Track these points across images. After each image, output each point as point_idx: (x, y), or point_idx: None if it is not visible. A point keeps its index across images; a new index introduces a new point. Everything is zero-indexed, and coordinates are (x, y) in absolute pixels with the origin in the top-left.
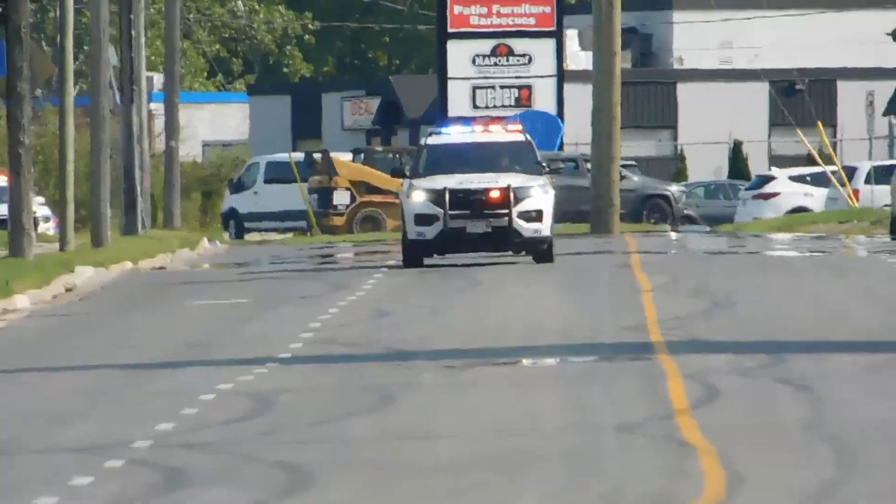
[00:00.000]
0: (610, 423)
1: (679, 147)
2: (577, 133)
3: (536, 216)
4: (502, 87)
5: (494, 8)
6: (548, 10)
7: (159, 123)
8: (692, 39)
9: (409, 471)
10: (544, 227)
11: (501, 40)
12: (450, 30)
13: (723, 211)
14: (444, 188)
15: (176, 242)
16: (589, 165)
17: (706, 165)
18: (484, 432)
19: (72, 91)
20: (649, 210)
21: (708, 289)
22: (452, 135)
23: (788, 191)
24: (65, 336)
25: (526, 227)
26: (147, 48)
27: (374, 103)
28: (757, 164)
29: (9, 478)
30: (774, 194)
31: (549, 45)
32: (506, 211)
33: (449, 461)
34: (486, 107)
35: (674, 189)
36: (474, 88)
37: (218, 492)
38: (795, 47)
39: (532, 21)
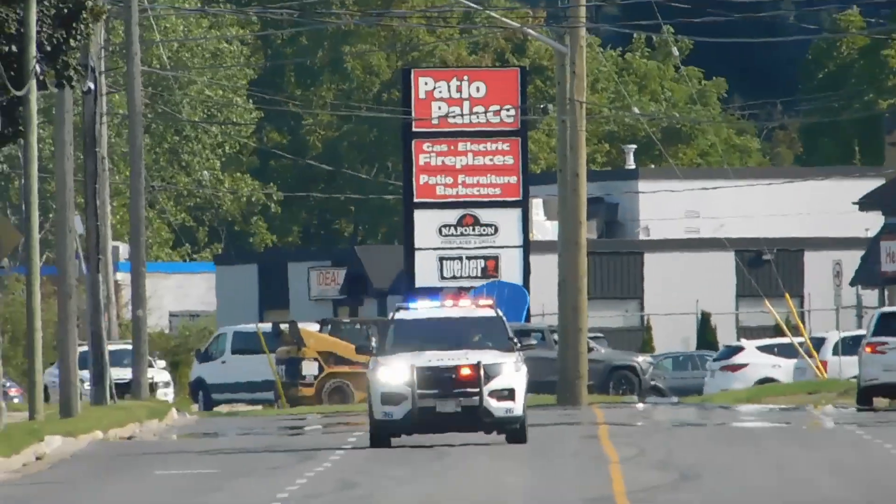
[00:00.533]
0: None
1: (646, 318)
2: (543, 304)
3: (508, 395)
4: (469, 257)
5: (460, 178)
6: (513, 180)
7: (126, 293)
8: (658, 209)
9: None
10: (517, 406)
11: (467, 210)
12: (416, 199)
13: (691, 382)
14: (412, 366)
15: (144, 412)
16: (556, 336)
17: (673, 336)
18: None
19: (38, 260)
20: (616, 381)
21: (675, 461)
22: (420, 309)
23: (757, 361)
24: None
25: (497, 407)
26: (112, 216)
27: (341, 273)
28: (725, 335)
29: None
30: (742, 365)
31: (515, 214)
32: (476, 389)
33: None
34: (454, 277)
35: (641, 360)
36: (441, 259)
37: None
38: (761, 217)
39: (498, 191)
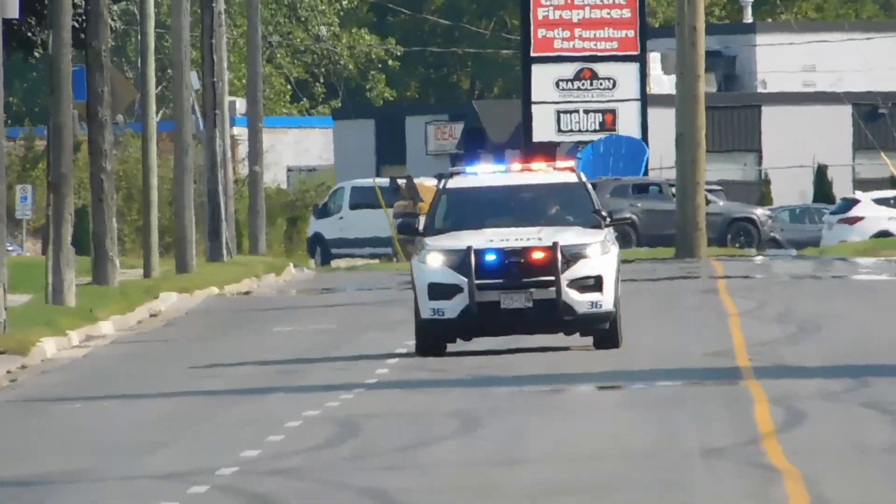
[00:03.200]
0: (696, 447)
1: (763, 171)
2: (661, 157)
3: (594, 284)
4: (586, 111)
5: (577, 32)
6: (631, 34)
7: (242, 149)
8: (775, 62)
9: (495, 495)
10: (605, 299)
11: (585, 64)
12: (533, 54)
13: (808, 235)
14: (469, 248)
15: (261, 268)
16: (673, 190)
17: (790, 189)
18: (571, 457)
19: (154, 116)
20: (735, 234)
21: (794, 313)
22: (480, 175)
23: (873, 215)
24: (149, 362)
25: (580, 300)
26: (229, 72)
27: (458, 128)
28: (841, 188)
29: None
30: (859, 218)
31: (633, 69)
32: (552, 278)
33: (535, 486)
34: (571, 130)
35: (759, 213)
36: (558, 113)
37: None
38: (878, 70)
39: (615, 45)
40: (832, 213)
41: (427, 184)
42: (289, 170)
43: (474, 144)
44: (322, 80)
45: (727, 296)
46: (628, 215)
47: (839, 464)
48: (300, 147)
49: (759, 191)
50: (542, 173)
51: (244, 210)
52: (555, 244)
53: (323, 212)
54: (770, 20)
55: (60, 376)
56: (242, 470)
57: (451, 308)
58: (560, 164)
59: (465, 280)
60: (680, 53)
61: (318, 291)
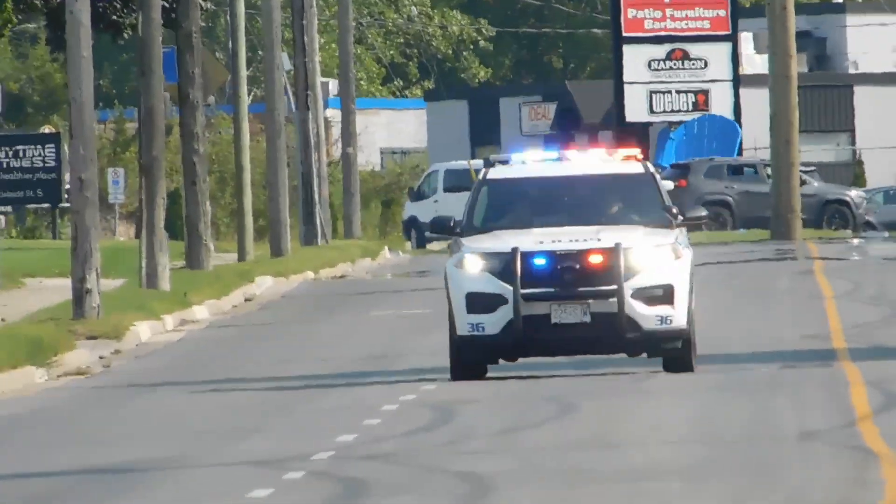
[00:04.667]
0: (792, 430)
1: (857, 152)
2: (755, 138)
3: (664, 295)
4: (678, 91)
5: (668, 12)
6: (722, 13)
7: (335, 130)
8: (866, 43)
9: (590, 478)
10: (677, 313)
11: (677, 44)
12: (624, 34)
13: None
14: (515, 250)
15: (356, 251)
16: (769, 171)
17: (884, 170)
18: (666, 441)
19: (245, 98)
20: (830, 216)
21: (889, 296)
22: (528, 164)
23: None
24: (244, 347)
25: (647, 314)
26: (321, 52)
27: (552, 108)
28: None
29: (187, 490)
30: None
31: (725, 48)
32: (612, 287)
33: (630, 469)
34: (664, 111)
35: (854, 194)
36: (651, 93)
37: (399, 502)
38: None
39: (707, 24)
40: None
41: None
42: (382, 152)
43: (568, 125)
44: (415, 61)
45: (823, 278)
46: (703, 213)
47: None
48: (393, 129)
49: (853, 172)
50: (602, 162)
51: (338, 193)
52: (617, 246)
53: (418, 195)
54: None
55: (154, 361)
56: (338, 455)
57: (493, 322)
58: (624, 151)
59: (510, 289)
60: (771, 33)
61: (413, 275)
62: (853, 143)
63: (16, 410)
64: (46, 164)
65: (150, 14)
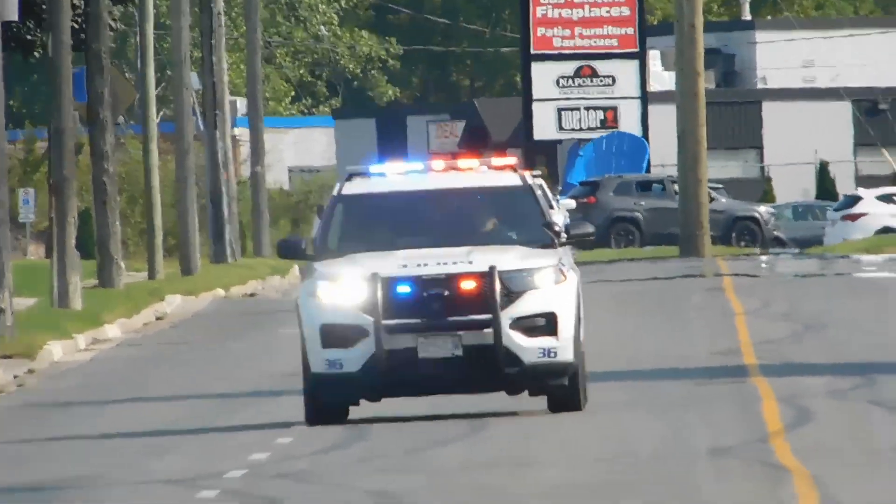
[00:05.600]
0: (704, 447)
1: (766, 168)
2: (663, 154)
3: (546, 324)
4: (587, 108)
5: (577, 30)
6: (630, 31)
7: (244, 149)
8: (775, 59)
9: (503, 498)
10: (562, 345)
11: (585, 62)
12: (533, 51)
13: (811, 232)
14: (375, 275)
15: (266, 269)
16: (677, 187)
17: (793, 186)
18: (578, 459)
19: (154, 117)
20: (738, 232)
21: (799, 312)
22: (389, 177)
23: (876, 211)
24: (156, 365)
25: (527, 346)
26: (230, 72)
27: (460, 126)
28: (844, 184)
29: None
30: (862, 215)
31: (633, 66)
32: (488, 316)
33: (544, 488)
34: (573, 128)
35: (762, 210)
36: (559, 110)
37: None
38: (878, 66)
39: (615, 42)
40: (835, 210)
41: None
42: (290, 170)
43: (476, 143)
44: (323, 80)
45: (733, 294)
46: (590, 229)
47: (848, 462)
48: (302, 147)
49: (762, 188)
50: (473, 174)
51: (247, 211)
52: (491, 269)
53: None
54: (769, 17)
55: (68, 380)
56: (252, 473)
57: (353, 358)
58: (498, 161)
59: (371, 320)
60: (679, 50)
61: None
62: (761, 159)
63: None
64: None
65: (59, 36)
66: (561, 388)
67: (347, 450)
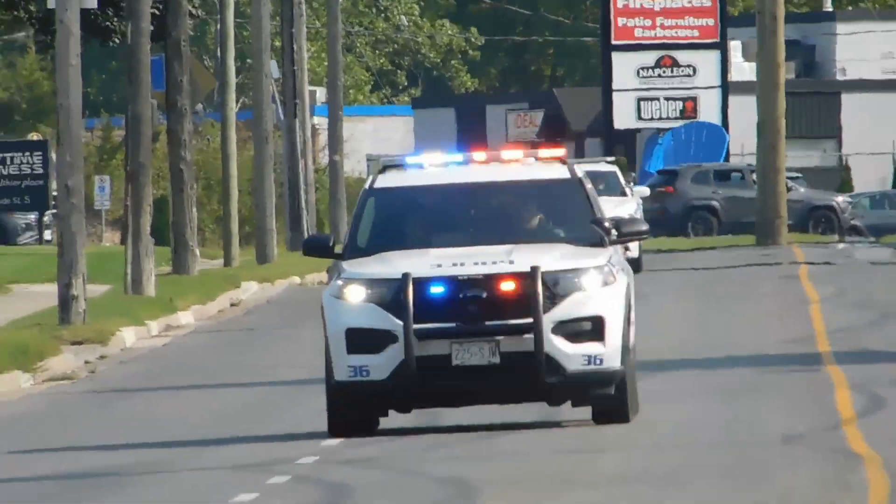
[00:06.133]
0: (776, 433)
1: (843, 157)
2: (742, 143)
3: (592, 329)
4: (667, 98)
5: (658, 20)
6: (711, 22)
7: (322, 138)
8: (855, 50)
9: (569, 483)
10: (608, 352)
11: (665, 52)
12: (614, 42)
13: (888, 221)
14: (406, 276)
15: None
16: (755, 176)
17: (870, 176)
18: (652, 445)
19: (233, 105)
20: (815, 221)
21: (874, 300)
22: (427, 169)
23: None
24: (228, 352)
25: (571, 353)
26: (310, 60)
27: (539, 116)
28: None
29: (170, 495)
30: None
31: (714, 56)
32: (529, 320)
33: (616, 474)
34: (652, 118)
35: (840, 200)
36: (639, 100)
37: None
38: None
39: (696, 33)
40: None
41: None
42: (369, 159)
43: (555, 132)
44: (403, 69)
45: (808, 282)
46: (643, 227)
47: None
48: (380, 136)
49: (839, 177)
50: (518, 166)
51: (325, 200)
52: (533, 270)
53: None
54: (850, 8)
55: (139, 366)
56: (323, 459)
57: (380, 365)
58: (545, 152)
59: (400, 324)
60: (760, 41)
61: None
62: (839, 148)
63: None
64: (34, 171)
65: (138, 23)
66: (606, 398)
67: (420, 436)
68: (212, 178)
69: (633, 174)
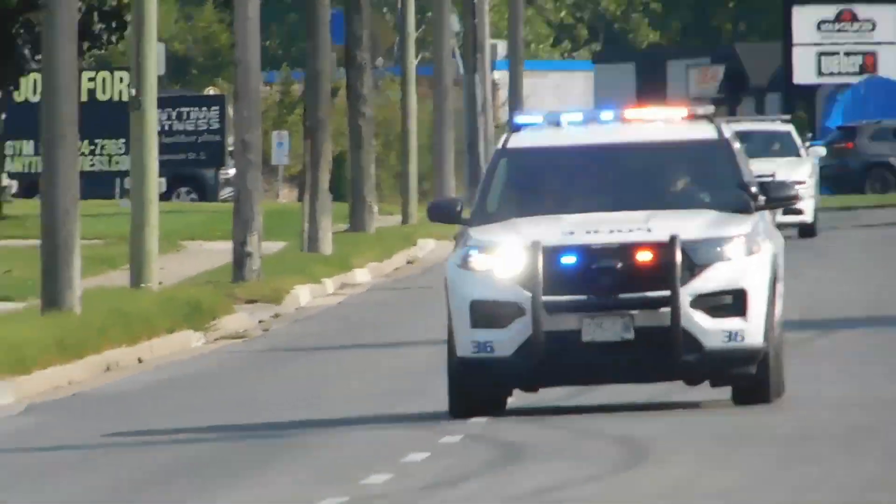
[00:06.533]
0: None
1: None
2: None
3: (734, 304)
4: (847, 53)
5: None
6: None
7: (503, 93)
8: None
9: (745, 441)
10: (750, 328)
11: (845, 6)
12: None
13: None
14: (536, 244)
15: None
16: None
17: None
18: (816, 404)
19: (413, 60)
20: None
21: None
22: (563, 129)
23: None
24: (404, 310)
25: (710, 329)
26: (491, 13)
27: (720, 71)
28: None
29: (342, 454)
30: None
31: (893, 11)
32: (666, 293)
33: (782, 432)
34: (832, 73)
35: None
36: (819, 55)
37: (555, 466)
38: None
39: None
40: None
41: None
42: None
43: (735, 88)
44: (584, 23)
45: None
46: (792, 192)
47: None
48: (561, 91)
49: None
50: (662, 125)
51: None
52: (672, 239)
53: None
54: None
55: (314, 325)
56: (494, 418)
57: (505, 340)
58: (690, 109)
59: (528, 296)
60: None
61: None
62: None
63: (173, 374)
64: (211, 127)
65: None
66: (747, 377)
67: (594, 394)
68: (391, 134)
69: (810, 133)
